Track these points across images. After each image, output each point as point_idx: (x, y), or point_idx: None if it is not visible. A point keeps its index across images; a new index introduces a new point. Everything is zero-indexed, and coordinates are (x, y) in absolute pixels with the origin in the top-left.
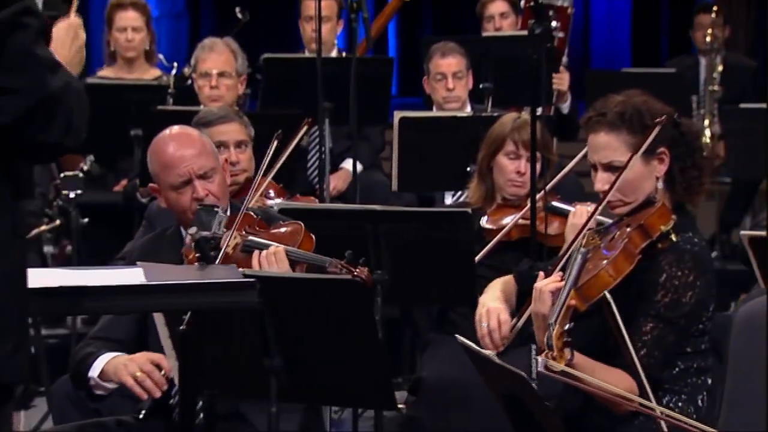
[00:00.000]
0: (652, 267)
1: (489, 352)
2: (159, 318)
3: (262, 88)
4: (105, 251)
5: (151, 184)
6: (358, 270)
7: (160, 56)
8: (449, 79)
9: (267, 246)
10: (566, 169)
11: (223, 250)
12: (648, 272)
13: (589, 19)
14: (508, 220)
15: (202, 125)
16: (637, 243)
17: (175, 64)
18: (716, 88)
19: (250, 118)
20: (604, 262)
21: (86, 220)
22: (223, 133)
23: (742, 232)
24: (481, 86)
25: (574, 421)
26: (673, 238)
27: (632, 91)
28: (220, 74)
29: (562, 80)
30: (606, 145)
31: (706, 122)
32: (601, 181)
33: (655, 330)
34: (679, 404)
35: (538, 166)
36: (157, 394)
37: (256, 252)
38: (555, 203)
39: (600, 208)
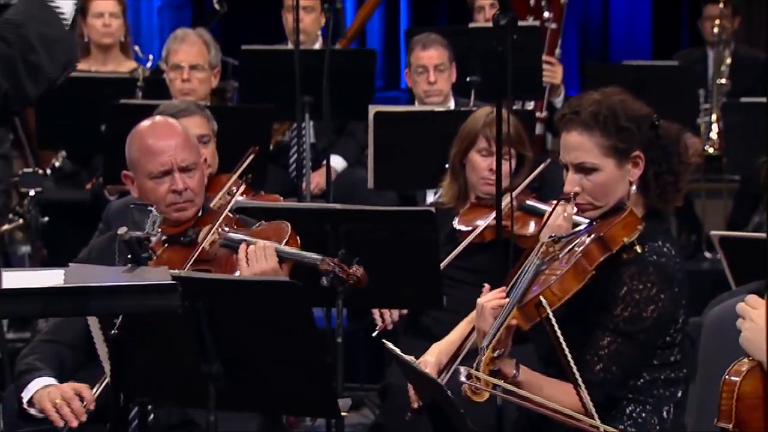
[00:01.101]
0: (613, 279)
1: (410, 358)
2: (93, 322)
3: (239, 81)
4: (72, 251)
5: (125, 172)
6: (353, 269)
7: (136, 48)
8: (431, 71)
9: (249, 242)
10: (537, 171)
11: (200, 245)
12: (609, 284)
13: (609, 11)
14: (481, 221)
15: None
16: (594, 257)
17: (151, 57)
18: (724, 81)
19: (223, 113)
20: (552, 278)
21: (46, 218)
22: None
23: (713, 233)
24: (468, 79)
25: (537, 429)
26: (638, 249)
27: (611, 89)
28: (192, 67)
29: (554, 73)
30: (578, 145)
31: (714, 117)
32: (571, 182)
33: (612, 345)
34: (643, 414)
35: (513, 163)
36: (74, 423)
37: (243, 245)
38: (530, 202)
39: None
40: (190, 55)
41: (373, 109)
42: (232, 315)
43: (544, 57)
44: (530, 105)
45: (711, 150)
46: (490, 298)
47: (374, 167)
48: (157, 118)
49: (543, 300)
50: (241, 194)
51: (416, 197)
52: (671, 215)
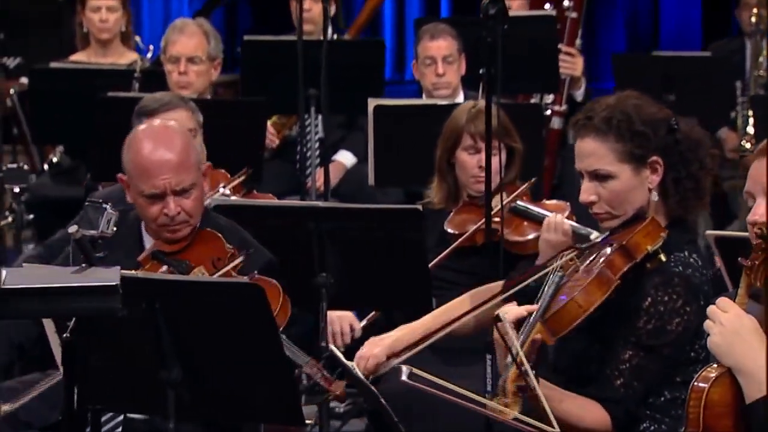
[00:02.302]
0: (636, 289)
1: (351, 364)
2: (49, 324)
3: (241, 73)
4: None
5: (120, 175)
6: (334, 385)
7: (137, 38)
8: (439, 63)
9: None
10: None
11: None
12: (632, 295)
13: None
14: (472, 223)
15: (144, 115)
16: (617, 266)
17: (151, 47)
18: (762, 73)
19: (217, 106)
20: (577, 290)
21: (31, 216)
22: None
23: (708, 232)
24: (480, 71)
25: None
26: (662, 258)
27: (628, 92)
28: (190, 59)
29: (574, 64)
30: (591, 152)
31: (751, 111)
32: (587, 191)
33: (634, 359)
34: None
35: (503, 157)
36: None
37: None
38: (522, 204)
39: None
40: (188, 46)
41: (372, 103)
42: (192, 318)
43: (564, 47)
44: (549, 98)
45: (748, 145)
46: (512, 310)
47: (375, 163)
48: (157, 126)
49: (570, 312)
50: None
51: (423, 195)
52: (702, 215)
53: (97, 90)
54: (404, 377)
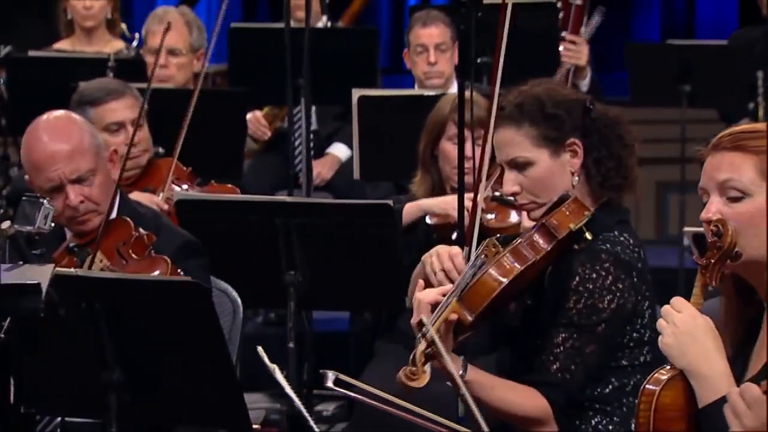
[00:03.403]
0: (566, 272)
1: (273, 366)
2: None
3: (229, 63)
4: None
5: (27, 176)
6: None
7: (123, 26)
8: (431, 51)
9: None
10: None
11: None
12: (562, 277)
13: None
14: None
15: (88, 104)
16: (539, 245)
17: (137, 36)
18: None
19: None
20: (491, 265)
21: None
22: (115, 111)
23: (686, 229)
24: (479, 60)
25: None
26: (588, 236)
27: (539, 79)
28: (170, 51)
29: (579, 53)
30: (508, 141)
31: None
32: (509, 182)
33: (568, 341)
34: (610, 427)
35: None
36: None
37: None
38: (500, 192)
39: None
40: (169, 38)
41: (357, 93)
42: (133, 318)
43: (568, 36)
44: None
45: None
46: (429, 291)
47: (360, 156)
48: (51, 115)
49: (485, 285)
50: (185, 183)
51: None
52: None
53: (72, 80)
54: (329, 383)
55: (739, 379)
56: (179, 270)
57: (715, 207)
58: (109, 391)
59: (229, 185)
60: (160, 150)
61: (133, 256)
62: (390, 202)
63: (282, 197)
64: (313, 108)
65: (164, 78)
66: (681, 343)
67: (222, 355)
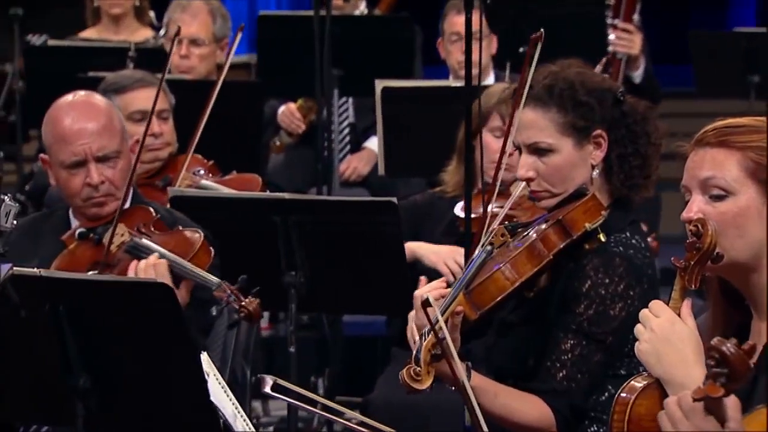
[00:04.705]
0: (576, 272)
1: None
2: None
3: (258, 53)
4: None
5: (42, 155)
6: (246, 300)
7: (152, 14)
8: None
9: (151, 252)
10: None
11: (106, 246)
12: (572, 278)
13: None
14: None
15: (112, 92)
16: (552, 242)
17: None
18: None
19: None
20: (504, 262)
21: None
22: (140, 100)
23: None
24: (520, 50)
25: None
26: (602, 237)
27: (570, 60)
28: (192, 41)
29: (632, 42)
30: (531, 123)
31: None
32: (525, 166)
33: (576, 348)
34: None
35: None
36: None
37: (134, 262)
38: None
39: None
40: (191, 27)
41: (380, 84)
42: (99, 320)
43: (620, 23)
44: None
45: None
46: (430, 287)
47: (384, 151)
48: (78, 94)
49: (496, 282)
50: (208, 174)
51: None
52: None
53: (91, 70)
54: (267, 389)
55: None
56: (210, 246)
57: (696, 206)
58: (75, 398)
59: (253, 175)
60: None
61: (156, 231)
62: (394, 199)
63: (280, 195)
64: (351, 100)
65: (185, 69)
66: (657, 350)
67: (190, 358)
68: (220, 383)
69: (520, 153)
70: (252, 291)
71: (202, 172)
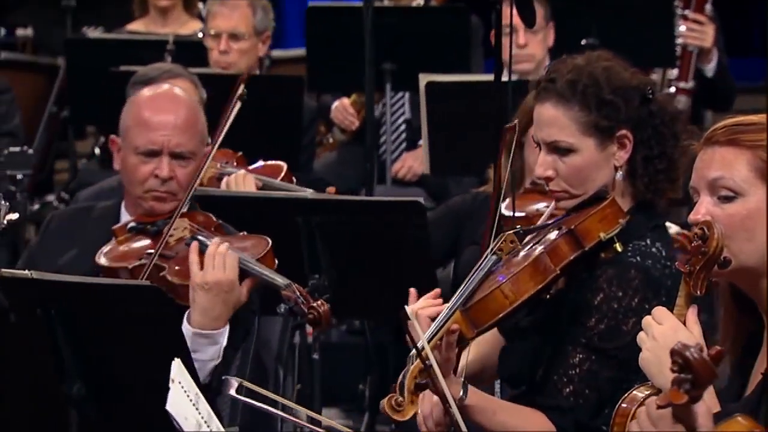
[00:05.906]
0: (589, 283)
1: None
2: None
3: (307, 46)
4: None
5: (113, 136)
6: (317, 303)
7: (201, 6)
8: (520, 32)
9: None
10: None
11: (164, 236)
12: (584, 288)
13: None
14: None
15: (141, 83)
16: (561, 255)
17: None
18: None
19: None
20: (506, 278)
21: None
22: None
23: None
24: (582, 42)
25: None
26: (618, 247)
27: (599, 53)
28: (232, 36)
29: (704, 34)
30: (552, 120)
31: None
32: (543, 165)
33: (585, 363)
34: None
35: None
36: None
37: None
38: None
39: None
40: (231, 21)
41: (424, 79)
42: (93, 325)
43: (692, 14)
44: (673, 73)
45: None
46: (423, 305)
47: (430, 148)
48: (165, 87)
49: (494, 301)
50: (237, 166)
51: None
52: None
53: (129, 64)
54: (232, 391)
55: (737, 398)
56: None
57: (704, 208)
58: (69, 406)
59: (278, 162)
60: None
61: (218, 234)
62: (421, 199)
63: (304, 194)
64: (407, 95)
65: (225, 66)
66: (659, 359)
67: (186, 363)
68: (186, 392)
69: (539, 150)
70: (323, 296)
71: (227, 163)
